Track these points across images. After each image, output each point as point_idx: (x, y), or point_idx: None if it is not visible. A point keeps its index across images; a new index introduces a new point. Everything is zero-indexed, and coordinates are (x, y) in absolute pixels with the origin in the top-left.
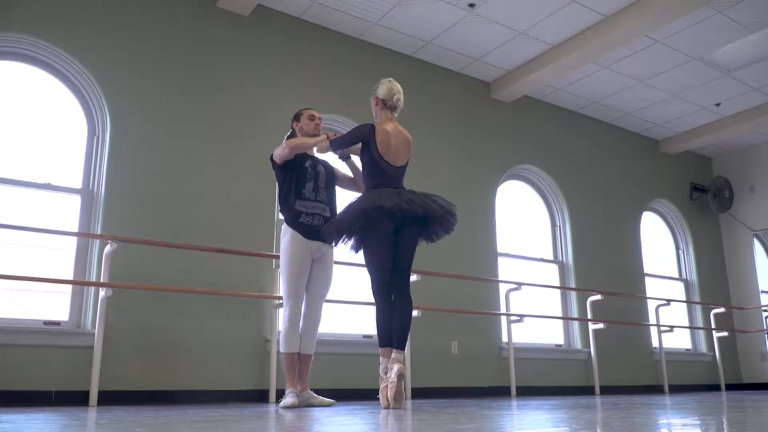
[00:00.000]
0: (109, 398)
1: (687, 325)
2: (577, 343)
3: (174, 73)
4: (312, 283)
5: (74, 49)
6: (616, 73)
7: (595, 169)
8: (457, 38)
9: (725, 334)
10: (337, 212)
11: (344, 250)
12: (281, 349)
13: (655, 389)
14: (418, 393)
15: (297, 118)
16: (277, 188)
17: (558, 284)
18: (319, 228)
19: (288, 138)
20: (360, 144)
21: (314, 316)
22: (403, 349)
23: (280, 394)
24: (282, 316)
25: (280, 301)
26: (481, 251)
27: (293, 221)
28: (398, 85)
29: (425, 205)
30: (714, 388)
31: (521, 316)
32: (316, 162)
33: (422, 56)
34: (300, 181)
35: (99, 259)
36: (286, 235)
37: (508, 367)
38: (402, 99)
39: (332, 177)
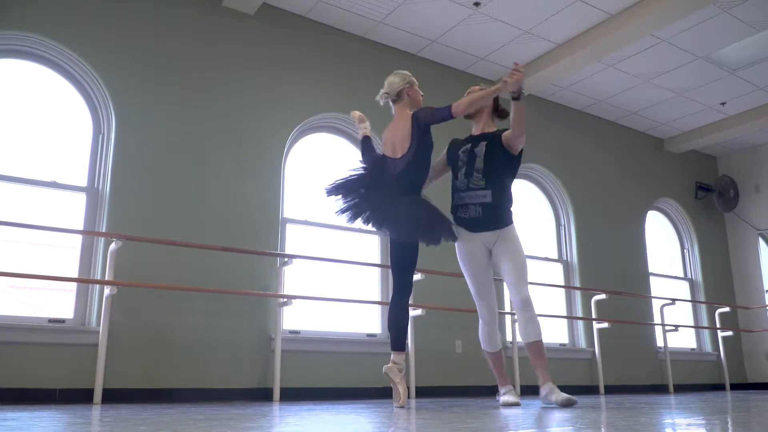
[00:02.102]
0: (113, 396)
1: (692, 324)
2: (582, 343)
3: (179, 71)
4: (501, 272)
5: (80, 48)
6: (622, 72)
7: (600, 168)
8: (462, 37)
9: (730, 333)
10: (507, 193)
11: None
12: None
13: (660, 389)
14: (423, 392)
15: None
16: None
17: (562, 283)
18: (478, 219)
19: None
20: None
21: (515, 303)
22: (394, 350)
23: (284, 393)
24: (283, 315)
25: (285, 300)
26: None
27: (455, 218)
28: (389, 78)
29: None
30: (719, 387)
31: None
32: (478, 142)
33: (427, 55)
34: (453, 173)
35: (104, 257)
36: (458, 233)
37: (513, 366)
38: (380, 97)
39: (498, 151)
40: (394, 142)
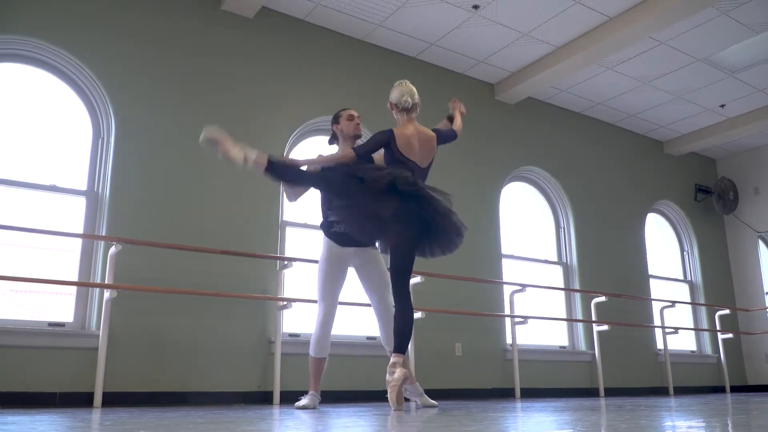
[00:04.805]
0: (113, 400)
1: (692, 326)
2: (582, 345)
3: (179, 74)
4: (365, 287)
5: (79, 52)
6: (621, 74)
7: (600, 170)
8: (461, 40)
9: (730, 335)
10: None
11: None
12: (310, 353)
13: (660, 391)
14: None
15: (336, 120)
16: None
17: (562, 286)
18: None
19: (330, 140)
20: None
21: (381, 313)
22: (396, 352)
23: (285, 396)
24: (283, 318)
25: (284, 303)
26: (486, 253)
27: (326, 230)
28: (409, 86)
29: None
30: (719, 389)
31: (525, 318)
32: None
33: (426, 58)
34: None
35: (104, 261)
36: (323, 243)
37: (512, 368)
38: (413, 99)
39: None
40: (424, 151)
